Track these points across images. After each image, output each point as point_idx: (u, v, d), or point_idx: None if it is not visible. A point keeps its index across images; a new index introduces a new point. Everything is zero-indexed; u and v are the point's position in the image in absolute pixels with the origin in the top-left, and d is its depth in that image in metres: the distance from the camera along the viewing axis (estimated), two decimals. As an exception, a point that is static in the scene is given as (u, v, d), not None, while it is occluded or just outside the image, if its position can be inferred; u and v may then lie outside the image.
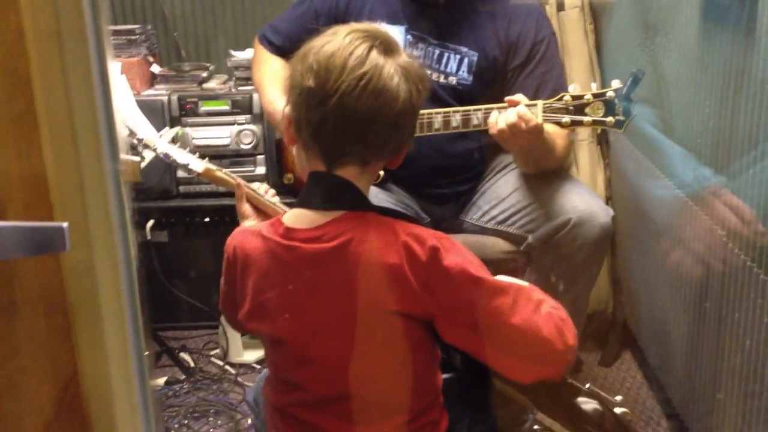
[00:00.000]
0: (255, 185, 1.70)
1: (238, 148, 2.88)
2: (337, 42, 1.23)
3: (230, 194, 2.88)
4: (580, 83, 2.18)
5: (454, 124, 2.06)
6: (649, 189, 2.30)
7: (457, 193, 2.29)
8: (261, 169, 2.88)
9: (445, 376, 1.41)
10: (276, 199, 1.72)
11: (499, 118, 1.93)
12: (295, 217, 1.29)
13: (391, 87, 1.21)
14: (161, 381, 2.65)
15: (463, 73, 2.19)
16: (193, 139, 2.87)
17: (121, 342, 0.79)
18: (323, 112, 1.21)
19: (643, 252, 2.50)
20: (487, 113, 2.01)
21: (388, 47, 1.24)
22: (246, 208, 1.67)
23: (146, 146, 1.82)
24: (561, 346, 1.24)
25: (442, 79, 2.20)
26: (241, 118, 2.87)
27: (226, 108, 2.87)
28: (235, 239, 1.38)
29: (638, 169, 2.38)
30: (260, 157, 2.90)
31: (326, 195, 1.27)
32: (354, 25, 1.28)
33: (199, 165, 1.76)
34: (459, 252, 1.23)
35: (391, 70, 1.22)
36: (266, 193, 1.71)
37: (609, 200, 2.74)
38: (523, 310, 1.23)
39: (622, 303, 2.70)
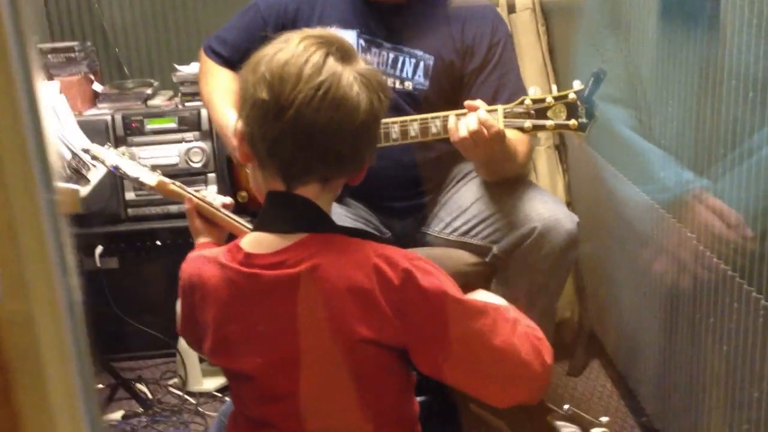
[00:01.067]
0: (210, 197, 1.60)
1: (187, 167, 2.78)
2: (291, 49, 1.15)
3: (183, 214, 2.82)
4: (534, 86, 2.13)
5: (412, 133, 2.00)
6: (615, 193, 2.26)
7: (417, 205, 2.22)
8: (212, 188, 2.78)
9: (419, 399, 1.33)
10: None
11: (460, 125, 1.86)
12: (255, 242, 1.20)
13: (351, 96, 1.13)
14: (118, 415, 2.53)
15: (420, 77, 2.12)
16: (140, 158, 2.74)
17: (68, 402, 0.69)
18: (279, 126, 1.13)
19: (609, 258, 2.46)
20: (446, 121, 1.94)
21: (345, 54, 1.17)
22: (198, 223, 1.56)
23: (95, 158, 1.71)
24: (539, 368, 1.18)
25: (398, 85, 2.13)
26: (189, 135, 2.77)
27: (173, 125, 2.77)
28: (190, 266, 1.28)
29: (602, 173, 2.34)
30: (211, 175, 2.81)
31: (287, 216, 1.18)
32: (307, 31, 1.20)
33: (151, 178, 1.65)
34: (434, 273, 1.16)
35: (350, 78, 1.14)
36: (225, 206, 1.59)
37: (570, 205, 2.69)
38: (503, 331, 1.16)
39: (588, 310, 2.66)
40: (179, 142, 2.77)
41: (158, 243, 2.81)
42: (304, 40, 1.16)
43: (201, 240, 1.54)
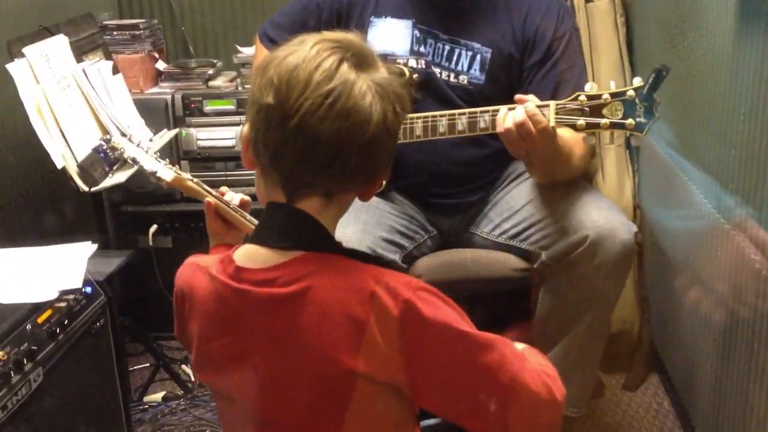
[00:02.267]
0: (228, 195, 1.53)
1: (243, 150, 2.73)
2: (303, 53, 1.05)
3: (237, 198, 2.79)
4: (608, 82, 1.98)
5: (459, 127, 1.89)
6: (682, 201, 2.10)
7: (466, 203, 2.11)
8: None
9: (424, 424, 1.23)
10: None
11: (507, 116, 1.75)
12: (247, 255, 1.11)
13: (362, 107, 1.03)
14: (159, 396, 2.52)
15: (475, 71, 2.01)
16: (197, 140, 2.73)
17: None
18: (282, 134, 1.04)
19: (672, 270, 2.29)
20: (495, 115, 1.83)
21: (362, 60, 1.06)
22: (216, 224, 1.49)
23: (114, 148, 1.67)
24: (549, 408, 1.09)
25: (452, 78, 2.02)
26: (247, 118, 2.71)
27: (231, 107, 2.73)
28: (183, 273, 1.21)
29: (672, 178, 2.17)
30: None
31: (284, 231, 1.09)
32: (325, 34, 1.09)
33: (167, 173, 1.60)
34: (438, 304, 1.05)
35: (363, 86, 1.04)
36: (242, 204, 1.52)
37: (637, 209, 2.53)
38: (511, 367, 1.06)
39: (650, 322, 2.50)
40: (237, 124, 2.72)
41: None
42: (319, 43, 1.06)
43: (216, 242, 1.48)
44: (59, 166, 1.96)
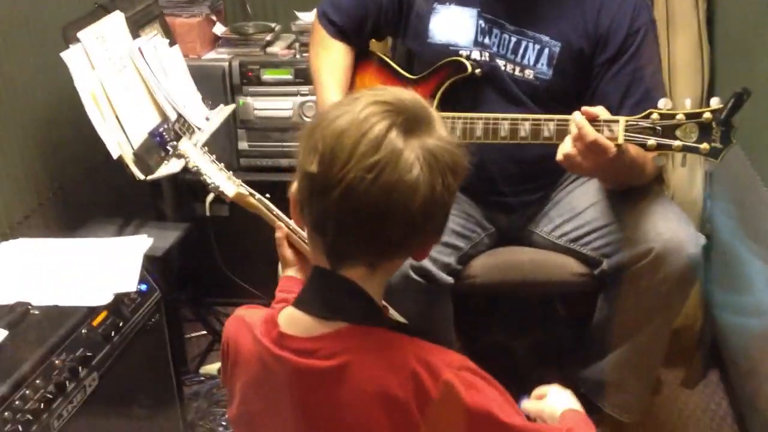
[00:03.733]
0: (286, 217, 1.49)
1: (300, 121, 2.68)
2: (351, 116, 0.99)
3: (292, 169, 2.74)
4: (683, 65, 1.88)
5: (522, 134, 1.81)
6: (755, 205, 2.00)
7: (527, 201, 2.04)
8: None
9: None
10: None
11: (565, 142, 1.67)
12: (291, 320, 1.08)
13: (408, 180, 0.97)
14: (215, 367, 2.54)
15: (543, 66, 1.91)
16: (255, 109, 2.68)
17: None
18: (325, 204, 0.99)
19: (742, 269, 2.20)
20: (560, 125, 1.75)
21: (413, 124, 1.00)
22: (288, 253, 1.46)
23: (180, 156, 1.63)
24: None
25: (517, 72, 1.93)
26: (305, 88, 2.64)
27: (289, 77, 2.66)
28: (231, 326, 1.19)
29: (744, 178, 2.07)
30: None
31: (327, 299, 1.06)
32: (379, 93, 1.03)
33: (230, 188, 1.55)
34: (481, 387, 1.01)
35: (411, 157, 0.98)
36: None
37: (704, 210, 2.43)
38: None
39: (712, 319, 2.42)
40: (294, 95, 2.66)
41: (267, 195, 2.74)
42: (370, 105, 1.00)
43: (288, 273, 1.44)
44: (115, 156, 1.94)
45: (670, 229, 1.79)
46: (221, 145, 2.66)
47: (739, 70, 2.32)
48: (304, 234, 1.43)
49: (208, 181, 1.55)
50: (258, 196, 1.52)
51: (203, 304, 2.83)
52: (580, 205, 1.96)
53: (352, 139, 0.97)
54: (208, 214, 2.73)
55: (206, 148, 1.61)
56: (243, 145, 2.73)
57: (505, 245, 2.07)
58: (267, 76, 2.66)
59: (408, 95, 1.04)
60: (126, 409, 1.76)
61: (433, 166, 0.99)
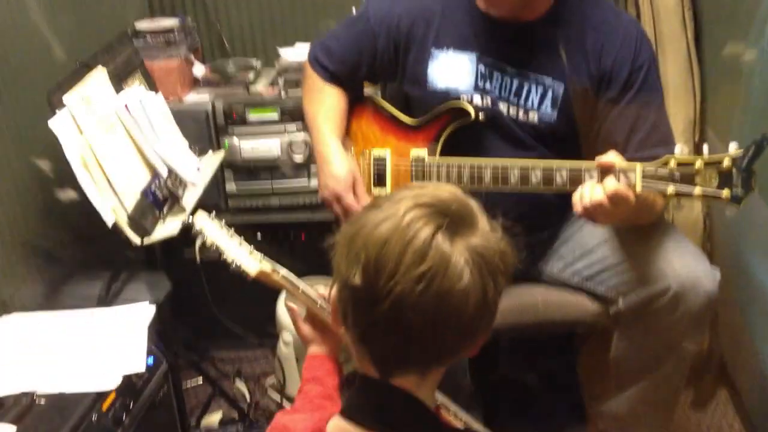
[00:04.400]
0: (312, 291, 1.43)
1: (289, 161, 2.62)
2: (394, 222, 0.95)
3: (285, 208, 2.69)
4: (675, 86, 1.84)
5: (534, 181, 1.77)
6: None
7: (534, 240, 2.00)
8: (315, 181, 2.62)
9: None
10: None
11: (584, 193, 1.62)
12: None
13: (459, 288, 0.93)
14: (216, 418, 2.48)
15: (547, 108, 1.86)
16: (241, 150, 2.62)
17: None
18: (373, 317, 0.95)
19: (747, 283, 2.19)
20: (573, 172, 1.71)
21: (458, 225, 0.96)
22: (307, 330, 1.41)
23: (197, 234, 1.55)
24: None
25: (521, 116, 1.88)
26: (292, 126, 2.60)
27: (275, 116, 2.60)
28: None
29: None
30: (315, 166, 2.64)
31: (381, 412, 1.01)
32: (419, 194, 0.98)
33: (252, 265, 1.49)
34: None
35: (460, 262, 0.93)
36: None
37: (706, 222, 2.42)
38: None
39: (719, 336, 2.41)
40: (281, 133, 2.61)
41: (258, 236, 2.69)
42: (413, 210, 0.95)
43: (312, 350, 1.40)
44: (110, 224, 1.87)
45: (685, 266, 1.76)
46: (208, 188, 2.59)
47: (730, 88, 2.31)
48: (328, 307, 1.38)
49: (229, 259, 1.48)
50: (283, 273, 1.45)
51: (198, 350, 2.77)
52: (591, 243, 1.92)
53: (398, 248, 0.93)
54: (198, 261, 2.68)
55: (224, 221, 1.54)
56: (231, 186, 2.67)
57: (514, 284, 2.03)
58: (252, 115, 2.60)
59: (447, 192, 0.99)
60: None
61: (482, 269, 0.95)
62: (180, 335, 2.65)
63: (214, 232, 1.53)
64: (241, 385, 2.64)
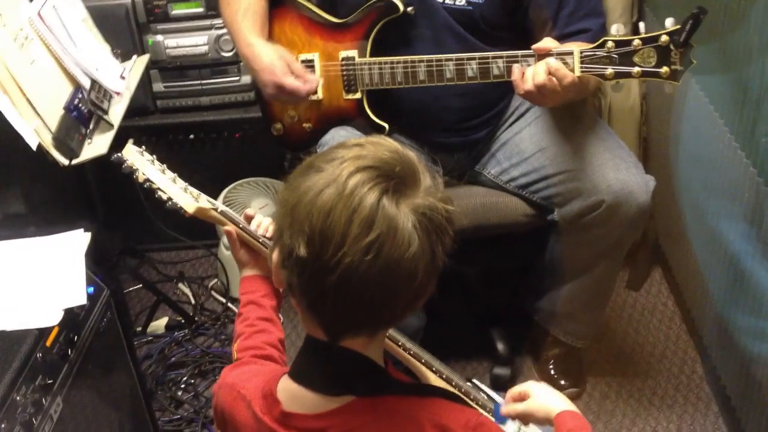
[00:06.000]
0: (257, 219, 1.40)
1: (218, 57, 2.53)
2: (337, 189, 0.90)
3: (215, 106, 2.61)
4: (617, 23, 1.82)
5: (470, 73, 1.75)
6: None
7: (472, 140, 1.98)
8: (246, 78, 2.54)
9: None
10: None
11: (527, 75, 1.61)
12: (293, 398, 1.03)
13: (408, 256, 0.90)
14: (162, 324, 2.48)
15: None
16: (167, 48, 2.51)
17: None
18: (321, 288, 0.93)
19: (679, 167, 2.22)
20: (509, 61, 1.68)
21: (403, 185, 0.92)
22: (242, 254, 1.39)
23: (131, 170, 1.47)
24: None
25: (447, 0, 1.83)
26: (219, 21, 2.48)
27: (201, 10, 2.50)
28: (224, 397, 1.12)
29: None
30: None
31: (330, 374, 1.00)
32: (360, 156, 0.93)
33: (189, 202, 1.43)
34: None
35: (407, 226, 0.90)
36: (267, 231, 1.39)
37: (642, 115, 2.42)
38: None
39: (655, 219, 2.46)
40: (209, 29, 2.50)
41: (191, 136, 2.62)
42: (356, 174, 0.91)
43: (246, 273, 1.39)
44: (34, 146, 1.79)
45: (619, 179, 1.77)
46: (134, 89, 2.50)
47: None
48: (260, 233, 1.37)
49: (164, 197, 1.43)
50: (221, 208, 1.41)
51: (136, 253, 2.74)
52: (528, 150, 1.92)
53: (343, 217, 0.89)
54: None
55: (154, 156, 1.48)
56: (158, 86, 2.58)
57: (453, 186, 2.04)
58: (176, 11, 2.49)
59: (388, 151, 0.95)
60: (92, 418, 1.70)
61: (430, 231, 0.93)
62: (119, 242, 2.62)
63: (146, 168, 1.46)
64: (185, 289, 2.63)
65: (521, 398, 1.24)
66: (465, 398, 1.32)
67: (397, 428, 0.99)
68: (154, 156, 1.49)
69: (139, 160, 1.46)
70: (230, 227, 1.39)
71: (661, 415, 2.08)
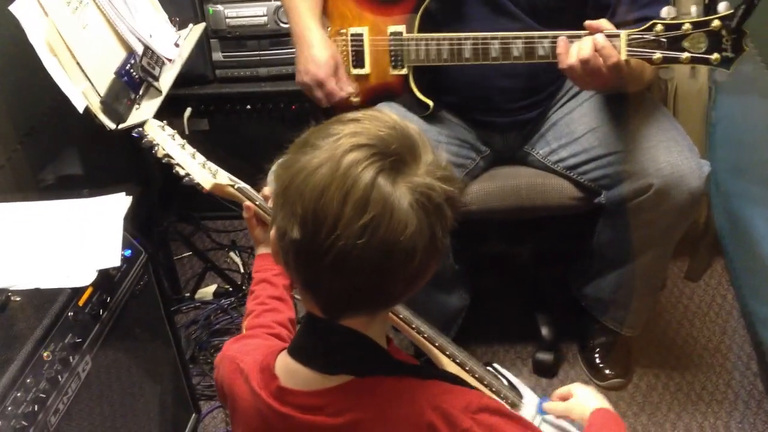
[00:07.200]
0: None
1: (277, 28, 2.52)
2: (330, 168, 0.87)
3: (274, 77, 2.60)
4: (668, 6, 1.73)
5: (515, 53, 1.70)
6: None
7: (523, 120, 1.93)
8: (304, 50, 2.52)
9: None
10: None
11: (572, 50, 1.56)
12: (290, 373, 1.00)
13: (405, 237, 0.87)
14: (210, 290, 2.51)
15: None
16: (227, 18, 2.52)
17: None
18: (316, 270, 0.90)
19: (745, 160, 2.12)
20: (555, 41, 1.63)
21: (401, 162, 0.88)
22: (258, 232, 1.38)
23: (151, 145, 1.48)
24: None
25: None
26: (279, -9, 2.47)
27: (261, -20, 2.49)
28: (224, 369, 1.12)
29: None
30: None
31: (328, 352, 0.97)
32: (357, 132, 0.89)
33: (207, 179, 1.43)
34: (501, 427, 0.95)
35: (404, 207, 0.86)
36: None
37: (709, 100, 2.31)
38: None
39: (715, 208, 2.36)
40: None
41: (248, 107, 2.63)
42: (351, 152, 0.87)
43: (261, 250, 1.38)
44: (81, 109, 1.82)
45: (671, 162, 1.69)
46: (194, 58, 2.51)
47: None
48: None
49: (181, 173, 1.43)
50: (239, 185, 1.41)
51: (191, 219, 2.77)
52: (578, 130, 1.85)
53: (336, 199, 0.86)
54: (187, 132, 2.64)
55: (175, 131, 1.48)
56: (217, 56, 2.59)
57: (501, 165, 1.99)
58: (237, -20, 2.48)
59: (387, 127, 0.91)
60: (124, 379, 1.72)
61: (429, 210, 0.88)
62: (172, 210, 2.66)
63: (166, 143, 1.46)
64: (235, 257, 2.65)
65: (565, 398, 1.24)
66: (478, 383, 1.29)
67: (393, 410, 0.96)
68: (175, 131, 1.49)
69: (159, 134, 1.47)
70: (248, 203, 1.38)
71: (709, 410, 1.99)
